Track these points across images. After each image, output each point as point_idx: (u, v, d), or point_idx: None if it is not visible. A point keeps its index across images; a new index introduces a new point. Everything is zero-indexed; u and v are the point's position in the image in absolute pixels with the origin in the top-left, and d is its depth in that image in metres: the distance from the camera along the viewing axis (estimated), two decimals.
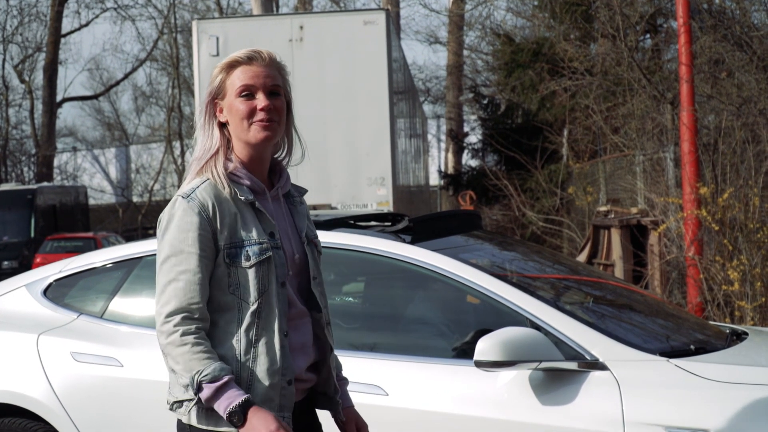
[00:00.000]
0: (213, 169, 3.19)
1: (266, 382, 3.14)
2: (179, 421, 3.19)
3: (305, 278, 3.34)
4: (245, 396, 3.04)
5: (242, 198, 3.18)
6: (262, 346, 3.15)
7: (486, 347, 4.12)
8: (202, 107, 3.24)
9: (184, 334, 3.05)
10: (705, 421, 4.06)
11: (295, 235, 3.34)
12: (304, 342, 3.29)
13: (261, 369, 3.14)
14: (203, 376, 3.02)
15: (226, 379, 3.04)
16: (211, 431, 3.11)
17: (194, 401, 3.10)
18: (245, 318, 3.15)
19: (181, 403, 3.15)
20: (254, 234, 3.18)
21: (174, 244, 3.14)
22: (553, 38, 19.69)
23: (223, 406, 3.02)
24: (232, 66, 3.21)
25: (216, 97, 3.23)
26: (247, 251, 3.16)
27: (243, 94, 3.18)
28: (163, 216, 3.20)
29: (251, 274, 3.15)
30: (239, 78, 3.19)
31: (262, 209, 3.22)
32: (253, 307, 3.15)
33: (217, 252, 3.15)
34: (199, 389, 3.03)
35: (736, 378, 4.20)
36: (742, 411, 4.07)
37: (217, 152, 3.21)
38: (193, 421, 3.13)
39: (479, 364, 4.15)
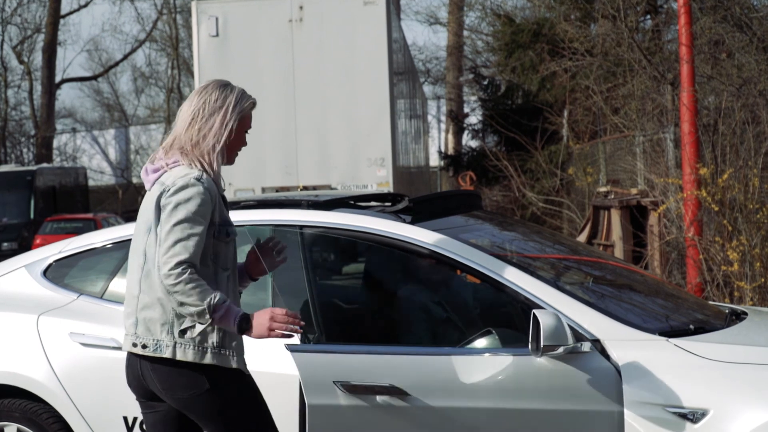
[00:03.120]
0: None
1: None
2: (163, 361, 3.94)
3: None
4: (243, 311, 3.88)
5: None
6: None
7: (552, 331, 4.10)
8: (231, 116, 4.03)
9: (191, 273, 3.83)
10: (704, 401, 4.07)
11: None
12: None
13: None
14: (217, 300, 3.81)
15: (230, 300, 3.87)
16: (195, 363, 3.93)
17: (203, 327, 3.90)
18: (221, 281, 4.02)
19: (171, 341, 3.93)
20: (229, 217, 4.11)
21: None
22: (554, 19, 19.64)
23: (232, 318, 3.83)
24: (254, 105, 4.12)
25: (242, 119, 4.08)
26: (227, 229, 4.04)
27: (247, 131, 4.14)
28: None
29: (230, 247, 4.06)
30: (250, 120, 4.13)
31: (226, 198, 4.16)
32: (227, 272, 4.04)
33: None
34: (215, 310, 3.81)
35: (736, 357, 4.21)
36: (742, 390, 4.08)
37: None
38: (188, 357, 3.92)
39: (547, 348, 4.12)
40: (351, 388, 4.16)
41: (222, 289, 3.95)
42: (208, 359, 3.92)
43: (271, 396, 4.20)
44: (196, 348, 3.92)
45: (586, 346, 4.21)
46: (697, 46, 11.40)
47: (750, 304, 8.76)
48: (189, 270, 3.82)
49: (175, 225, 3.87)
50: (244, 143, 4.13)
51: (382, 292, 5.24)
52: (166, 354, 3.92)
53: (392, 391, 4.19)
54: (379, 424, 4.23)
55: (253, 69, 14.61)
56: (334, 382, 4.19)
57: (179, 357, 3.92)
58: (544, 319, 4.10)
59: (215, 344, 3.93)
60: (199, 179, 3.92)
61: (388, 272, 5.19)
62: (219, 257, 4.01)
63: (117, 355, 4.92)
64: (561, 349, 4.12)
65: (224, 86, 4.08)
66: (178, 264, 3.83)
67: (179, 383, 3.95)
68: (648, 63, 13.19)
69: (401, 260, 5.04)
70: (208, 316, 3.82)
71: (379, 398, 4.20)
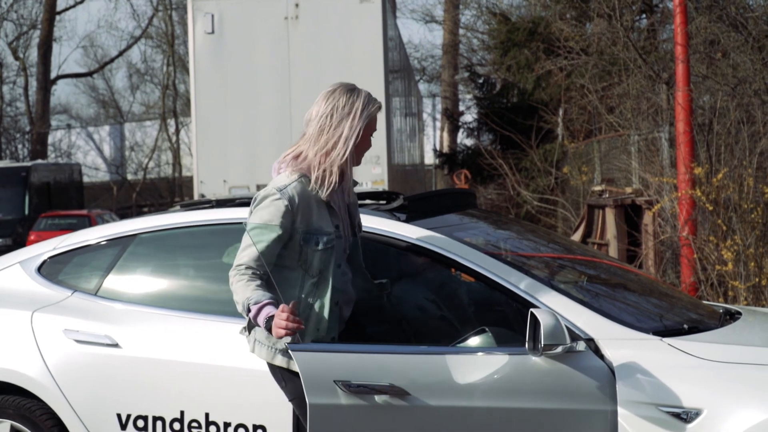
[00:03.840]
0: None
1: (311, 337, 4.11)
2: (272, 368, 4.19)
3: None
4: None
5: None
6: (315, 309, 4.10)
7: (552, 331, 4.07)
8: (359, 123, 4.09)
9: (243, 273, 4.00)
10: (698, 401, 4.07)
11: (348, 227, 4.29)
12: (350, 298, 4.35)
13: (311, 326, 4.10)
14: (250, 300, 3.92)
15: (266, 300, 3.92)
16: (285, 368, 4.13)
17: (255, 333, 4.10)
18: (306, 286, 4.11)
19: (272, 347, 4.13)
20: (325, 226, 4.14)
21: None
22: (549, 17, 19.64)
23: (263, 318, 3.89)
24: (380, 108, 4.19)
25: (368, 123, 4.14)
26: (317, 238, 4.09)
27: (372, 134, 4.19)
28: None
29: (318, 255, 4.09)
30: (376, 122, 4.20)
31: (333, 206, 4.18)
32: (313, 280, 4.11)
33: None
34: (248, 310, 3.92)
35: (730, 357, 4.21)
36: (735, 390, 4.08)
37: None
38: (276, 362, 4.12)
39: (547, 348, 4.10)
40: (352, 388, 4.15)
41: (305, 294, 4.09)
42: (294, 366, 4.06)
43: (264, 392, 4.18)
44: (285, 353, 4.09)
45: (580, 346, 4.21)
46: (693, 45, 11.41)
47: (744, 303, 8.77)
48: (242, 271, 4.01)
49: (247, 233, 4.08)
50: (370, 145, 4.20)
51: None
52: (260, 354, 4.16)
53: (393, 390, 4.18)
54: (381, 424, 4.21)
55: (249, 66, 14.59)
56: (335, 381, 4.14)
57: (267, 359, 4.14)
58: (544, 319, 4.09)
59: None
60: (280, 189, 4.05)
61: (382, 270, 5.19)
62: (307, 264, 4.11)
63: (111, 352, 4.93)
64: (560, 349, 4.11)
65: (351, 91, 4.17)
66: (235, 267, 4.04)
67: (282, 386, 4.19)
68: (643, 62, 13.19)
69: (396, 258, 5.03)
70: (245, 315, 3.99)
71: (380, 398, 4.18)
